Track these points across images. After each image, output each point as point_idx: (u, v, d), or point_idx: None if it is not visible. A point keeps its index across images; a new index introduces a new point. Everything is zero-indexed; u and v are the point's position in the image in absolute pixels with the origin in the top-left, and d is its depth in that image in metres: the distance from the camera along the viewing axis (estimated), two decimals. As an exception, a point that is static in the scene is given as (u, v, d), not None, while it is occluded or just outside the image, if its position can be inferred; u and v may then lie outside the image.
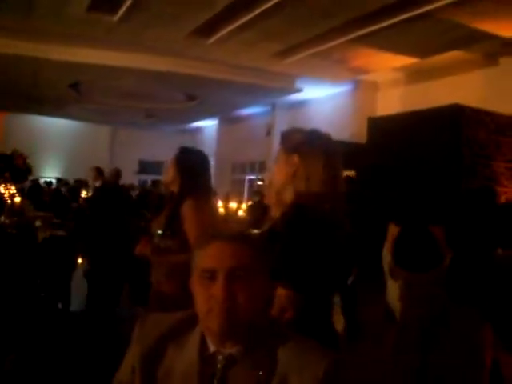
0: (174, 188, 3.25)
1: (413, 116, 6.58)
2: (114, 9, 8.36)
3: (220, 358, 1.29)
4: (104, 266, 6.27)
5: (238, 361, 1.28)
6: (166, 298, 2.97)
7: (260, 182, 14.06)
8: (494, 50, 8.98)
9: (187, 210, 3.06)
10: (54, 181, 16.71)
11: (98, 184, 7.53)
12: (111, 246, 6.00)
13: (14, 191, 8.66)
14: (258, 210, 8.16)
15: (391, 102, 11.15)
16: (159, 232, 3.12)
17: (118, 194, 7.65)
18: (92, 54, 10.51)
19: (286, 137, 2.08)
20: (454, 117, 5.89)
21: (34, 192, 11.37)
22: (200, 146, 18.64)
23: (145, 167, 19.98)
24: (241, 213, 8.88)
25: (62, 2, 8.16)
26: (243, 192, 16.44)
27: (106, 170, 7.99)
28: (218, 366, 1.29)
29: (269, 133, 14.82)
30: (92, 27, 9.24)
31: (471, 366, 3.68)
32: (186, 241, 2.96)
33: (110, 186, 7.13)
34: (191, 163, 3.25)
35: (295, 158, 1.97)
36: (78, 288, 6.01)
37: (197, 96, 14.02)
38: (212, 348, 1.31)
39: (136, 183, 17.02)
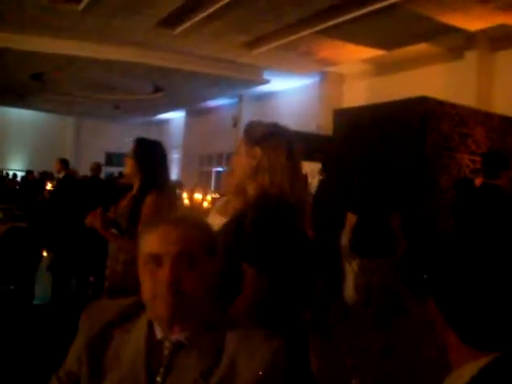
0: (135, 180, 3.26)
1: (378, 108, 6.61)
2: (78, -2, 8.22)
3: (167, 344, 1.28)
4: (68, 259, 6.18)
5: (186, 347, 1.27)
6: (121, 292, 2.91)
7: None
8: (459, 43, 9.09)
9: (149, 203, 3.08)
10: (18, 173, 16.44)
11: (61, 176, 7.43)
12: (74, 239, 5.92)
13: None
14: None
15: (358, 94, 11.21)
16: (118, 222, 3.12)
17: (83, 187, 7.55)
18: (56, 44, 10.31)
19: (248, 129, 2.09)
20: (419, 109, 5.94)
21: (-3, 184, 11.17)
22: (167, 137, 18.69)
23: (111, 159, 19.70)
24: (205, 204, 8.86)
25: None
26: (210, 184, 16.38)
27: (72, 162, 7.89)
28: (165, 352, 1.27)
29: (235, 124, 14.84)
30: (56, 16, 9.06)
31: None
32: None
33: (72, 178, 7.04)
34: (149, 155, 3.26)
35: (258, 151, 1.99)
36: (43, 281, 5.94)
37: (164, 87, 13.90)
38: (159, 335, 1.29)
39: (102, 175, 16.77)
